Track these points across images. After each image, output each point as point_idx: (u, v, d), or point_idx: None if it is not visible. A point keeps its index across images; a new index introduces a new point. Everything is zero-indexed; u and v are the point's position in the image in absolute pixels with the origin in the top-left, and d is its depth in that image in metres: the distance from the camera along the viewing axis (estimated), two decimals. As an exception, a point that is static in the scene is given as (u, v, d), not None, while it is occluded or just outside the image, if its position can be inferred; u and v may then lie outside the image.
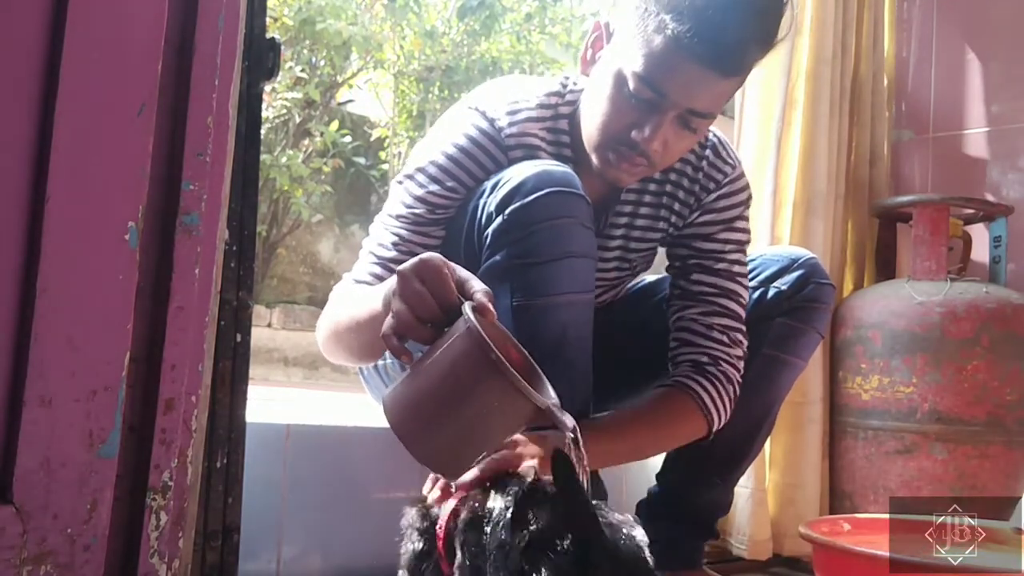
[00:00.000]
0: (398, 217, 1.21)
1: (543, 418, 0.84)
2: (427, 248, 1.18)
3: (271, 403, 1.91)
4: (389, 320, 0.88)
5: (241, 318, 1.06)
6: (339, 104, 5.13)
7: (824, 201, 2.16)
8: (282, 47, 1.12)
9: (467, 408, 0.81)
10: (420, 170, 1.21)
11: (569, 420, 0.84)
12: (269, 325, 4.50)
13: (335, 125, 4.83)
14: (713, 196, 1.33)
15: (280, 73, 1.13)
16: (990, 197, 2.40)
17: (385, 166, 5.19)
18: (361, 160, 5.06)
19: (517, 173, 1.10)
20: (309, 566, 1.30)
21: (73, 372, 0.65)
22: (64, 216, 0.65)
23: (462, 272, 0.89)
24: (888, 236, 2.42)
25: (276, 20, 4.45)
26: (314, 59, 4.86)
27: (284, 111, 4.76)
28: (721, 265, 1.31)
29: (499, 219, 1.09)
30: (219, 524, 1.03)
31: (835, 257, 2.26)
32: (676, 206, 1.34)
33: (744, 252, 1.35)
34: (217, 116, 0.75)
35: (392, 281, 0.93)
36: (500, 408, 0.81)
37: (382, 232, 1.22)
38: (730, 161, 1.35)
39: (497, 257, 1.10)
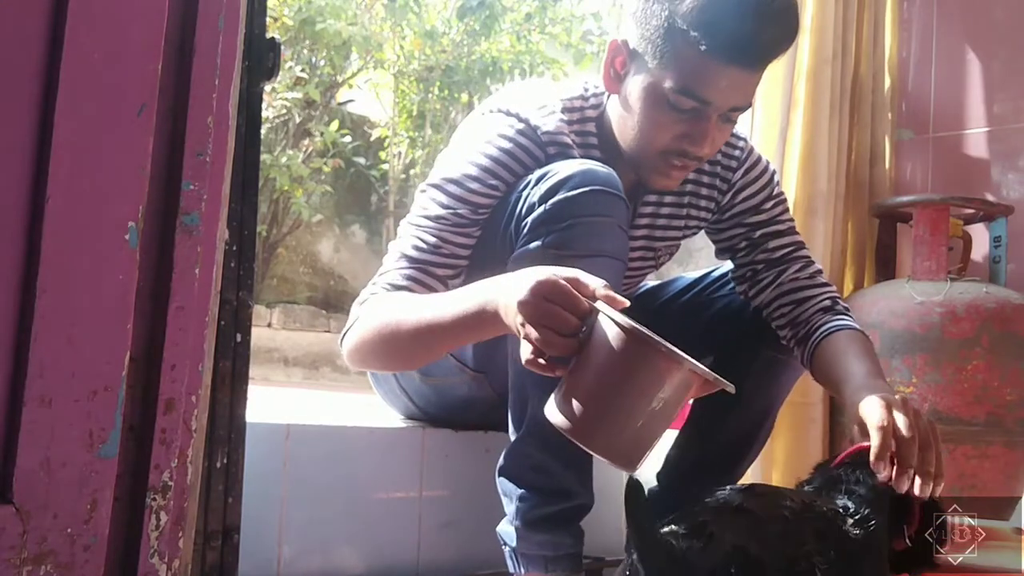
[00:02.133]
0: (437, 219, 1.19)
1: (705, 388, 0.88)
2: (466, 249, 1.19)
3: (271, 403, 1.91)
4: (527, 347, 0.90)
5: (241, 318, 1.06)
6: (339, 104, 5.13)
7: (824, 201, 2.16)
8: (282, 47, 1.12)
9: (641, 396, 0.85)
10: (460, 171, 1.20)
11: (729, 384, 0.87)
12: (269, 325, 4.51)
13: (335, 125, 4.83)
14: (740, 173, 1.37)
15: (280, 73, 1.13)
16: (990, 197, 2.40)
17: (385, 166, 5.19)
18: (361, 160, 5.07)
19: (564, 168, 1.13)
20: (309, 566, 1.30)
21: (73, 372, 0.65)
22: (64, 216, 0.65)
23: (570, 272, 0.91)
24: (888, 236, 2.42)
25: (276, 20, 4.45)
26: (314, 59, 4.86)
27: (284, 111, 4.77)
28: (785, 226, 1.39)
29: (540, 209, 1.11)
30: (219, 524, 1.03)
31: (835, 257, 2.26)
32: (703, 191, 1.37)
33: (788, 211, 1.42)
34: (217, 116, 0.75)
35: (482, 295, 0.97)
36: (670, 387, 0.85)
37: (416, 234, 1.20)
38: (742, 137, 1.39)
39: (533, 244, 1.12)
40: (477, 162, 1.20)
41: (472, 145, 1.22)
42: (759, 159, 1.40)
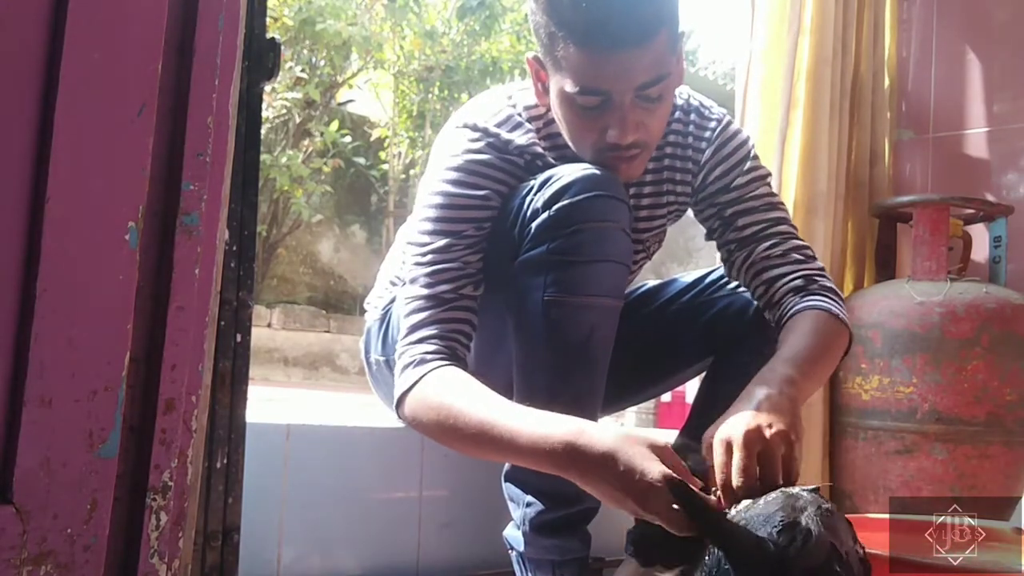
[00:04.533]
0: (448, 248, 1.17)
1: None
2: (481, 262, 1.18)
3: (271, 403, 1.91)
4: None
5: (241, 318, 1.06)
6: (339, 104, 5.13)
7: (825, 201, 2.16)
8: (282, 47, 1.12)
9: None
10: (451, 196, 1.19)
11: None
12: (269, 325, 4.51)
13: (335, 125, 4.83)
14: (710, 152, 1.33)
15: (280, 73, 1.13)
16: (990, 197, 2.40)
17: (385, 166, 5.19)
18: (361, 160, 5.07)
19: (566, 173, 1.13)
20: (309, 566, 1.30)
21: (73, 372, 0.65)
22: (64, 216, 0.65)
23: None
24: (888, 236, 2.42)
25: (276, 20, 4.46)
26: (314, 59, 4.86)
27: (284, 111, 4.77)
28: (756, 202, 1.32)
29: (545, 215, 1.12)
30: (219, 524, 1.03)
31: (835, 257, 2.27)
32: (677, 176, 1.35)
33: (769, 185, 1.35)
34: (217, 116, 0.75)
35: (570, 433, 0.96)
36: None
37: (432, 270, 1.17)
38: (715, 117, 1.35)
39: (538, 250, 1.12)
40: (463, 180, 1.19)
41: (451, 166, 1.21)
42: (732, 136, 1.34)
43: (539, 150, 1.23)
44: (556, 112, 1.20)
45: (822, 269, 1.29)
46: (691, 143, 1.34)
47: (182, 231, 0.73)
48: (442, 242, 1.17)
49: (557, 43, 1.11)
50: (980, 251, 2.39)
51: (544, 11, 1.12)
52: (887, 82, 2.56)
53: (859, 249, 2.43)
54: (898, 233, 2.43)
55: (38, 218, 0.64)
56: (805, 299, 1.23)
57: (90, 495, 0.66)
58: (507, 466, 1.23)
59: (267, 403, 1.83)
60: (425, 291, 1.16)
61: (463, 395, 1.08)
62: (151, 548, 0.70)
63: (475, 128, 1.22)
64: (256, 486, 1.15)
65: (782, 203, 1.35)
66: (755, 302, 1.32)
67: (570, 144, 1.21)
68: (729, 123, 1.36)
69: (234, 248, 1.04)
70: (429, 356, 1.13)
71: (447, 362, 1.13)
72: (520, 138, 1.23)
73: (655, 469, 0.89)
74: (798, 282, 1.25)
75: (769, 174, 1.37)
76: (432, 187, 1.22)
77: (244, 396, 1.07)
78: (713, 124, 1.34)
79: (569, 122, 1.18)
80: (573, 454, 0.95)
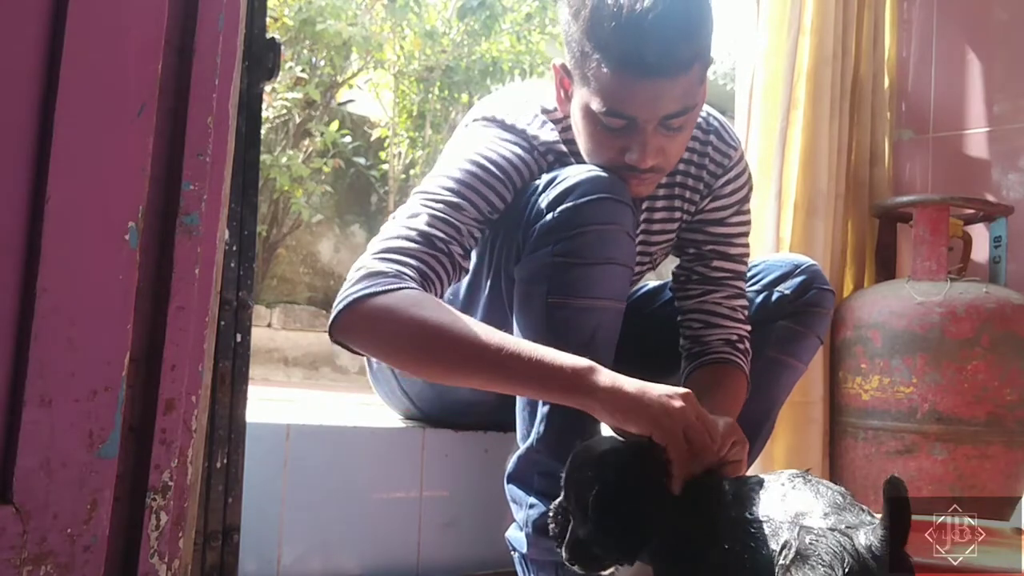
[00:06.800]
0: (458, 207, 1.13)
1: None
2: (476, 243, 1.16)
3: (271, 403, 1.91)
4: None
5: (241, 318, 1.06)
6: (339, 104, 5.12)
7: (825, 201, 2.16)
8: (282, 47, 1.12)
9: None
10: (470, 166, 1.17)
11: None
12: (269, 325, 4.50)
13: (335, 125, 4.83)
14: (721, 181, 1.37)
15: (280, 73, 1.13)
16: (990, 197, 2.40)
17: (385, 166, 5.19)
18: (361, 160, 5.06)
19: (572, 175, 1.13)
20: (309, 566, 1.30)
21: (73, 372, 0.65)
22: (64, 216, 0.65)
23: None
24: (888, 236, 2.42)
25: (276, 20, 4.45)
26: (314, 59, 4.86)
27: (284, 111, 4.76)
28: (735, 250, 1.39)
29: (549, 216, 1.12)
30: (219, 524, 1.03)
31: (835, 257, 2.27)
32: (687, 194, 1.37)
33: (748, 233, 1.42)
34: (217, 116, 0.75)
35: (581, 362, 1.00)
36: None
37: (441, 217, 1.12)
38: (732, 143, 1.38)
39: (542, 251, 1.12)
40: (496, 160, 1.18)
41: (489, 146, 1.20)
42: (742, 172, 1.39)
43: (563, 148, 1.24)
44: (576, 123, 1.19)
45: (750, 329, 1.38)
46: (708, 164, 1.36)
47: (182, 231, 0.73)
48: (456, 200, 1.14)
49: (590, 61, 1.11)
50: (980, 251, 2.39)
51: (582, 29, 1.11)
52: (887, 82, 2.57)
53: (859, 249, 2.43)
54: (898, 233, 2.43)
55: (38, 218, 0.64)
56: (732, 355, 1.34)
57: (90, 495, 0.66)
58: (510, 468, 1.23)
59: (267, 403, 1.83)
60: (422, 227, 1.11)
61: (460, 316, 1.04)
62: (151, 548, 0.70)
63: (504, 124, 1.23)
64: (256, 486, 1.15)
65: (748, 254, 1.42)
66: (681, 324, 1.39)
67: (584, 155, 1.21)
68: (742, 156, 1.40)
69: (234, 248, 1.05)
70: (407, 276, 1.06)
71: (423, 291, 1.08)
72: (547, 135, 1.23)
73: (680, 397, 0.97)
74: (732, 337, 1.35)
75: (750, 222, 1.43)
76: (464, 154, 1.18)
77: (244, 396, 1.07)
78: (731, 152, 1.37)
79: (589, 136, 1.18)
80: (597, 368, 1.00)
